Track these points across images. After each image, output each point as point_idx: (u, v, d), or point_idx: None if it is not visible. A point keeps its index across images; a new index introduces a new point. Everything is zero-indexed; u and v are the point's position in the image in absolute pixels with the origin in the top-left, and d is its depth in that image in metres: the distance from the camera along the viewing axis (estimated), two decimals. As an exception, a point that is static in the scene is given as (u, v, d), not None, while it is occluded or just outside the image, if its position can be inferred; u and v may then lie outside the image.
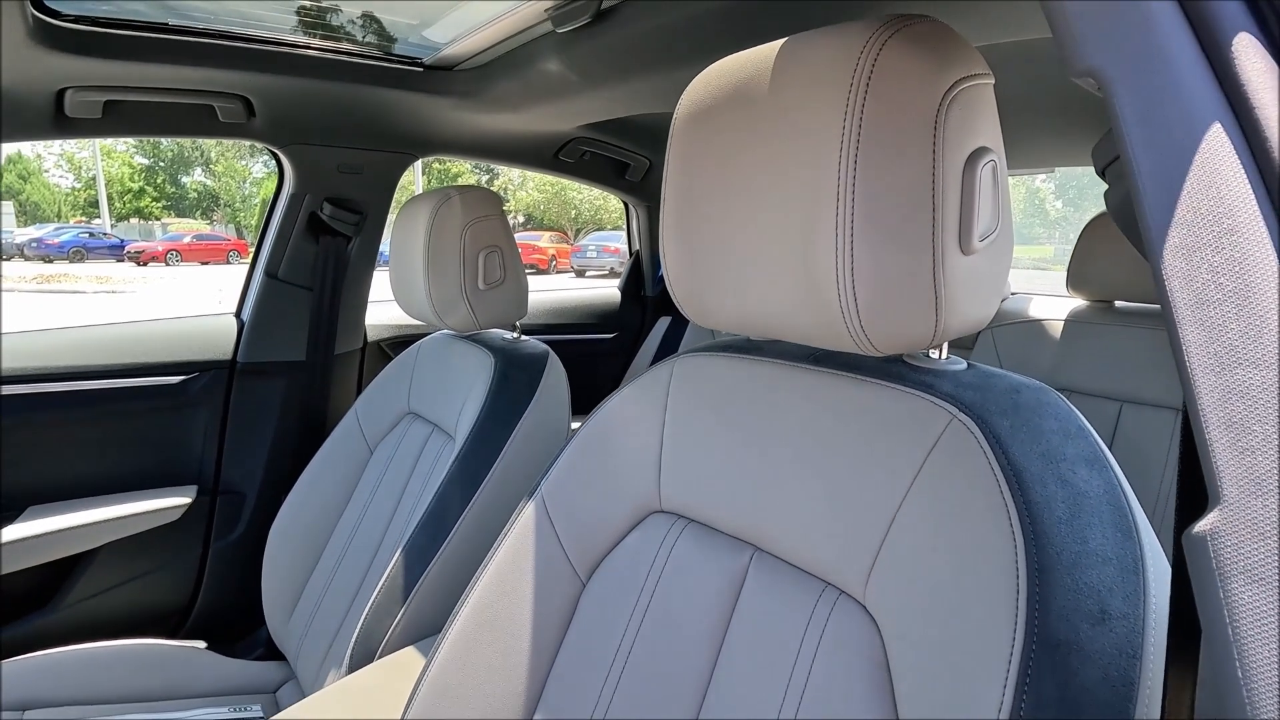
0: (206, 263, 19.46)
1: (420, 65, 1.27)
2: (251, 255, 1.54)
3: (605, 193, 1.98)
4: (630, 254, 2.15)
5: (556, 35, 1.01)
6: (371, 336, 1.68)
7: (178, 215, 28.04)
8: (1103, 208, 1.33)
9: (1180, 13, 0.29)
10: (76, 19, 0.99)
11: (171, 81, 1.14)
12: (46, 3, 0.94)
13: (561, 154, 1.69)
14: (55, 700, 1.08)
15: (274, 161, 1.45)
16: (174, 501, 1.40)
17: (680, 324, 2.07)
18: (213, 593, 1.47)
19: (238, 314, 1.53)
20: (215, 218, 28.43)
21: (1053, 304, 1.47)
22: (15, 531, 1.23)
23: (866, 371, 0.59)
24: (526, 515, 0.74)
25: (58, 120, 1.12)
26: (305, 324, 1.51)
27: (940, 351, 0.59)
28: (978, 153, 0.48)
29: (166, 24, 1.05)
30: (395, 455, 1.20)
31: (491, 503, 1.01)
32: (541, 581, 0.72)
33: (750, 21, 0.84)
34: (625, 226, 2.15)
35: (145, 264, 18.59)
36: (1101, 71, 0.29)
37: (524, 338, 1.20)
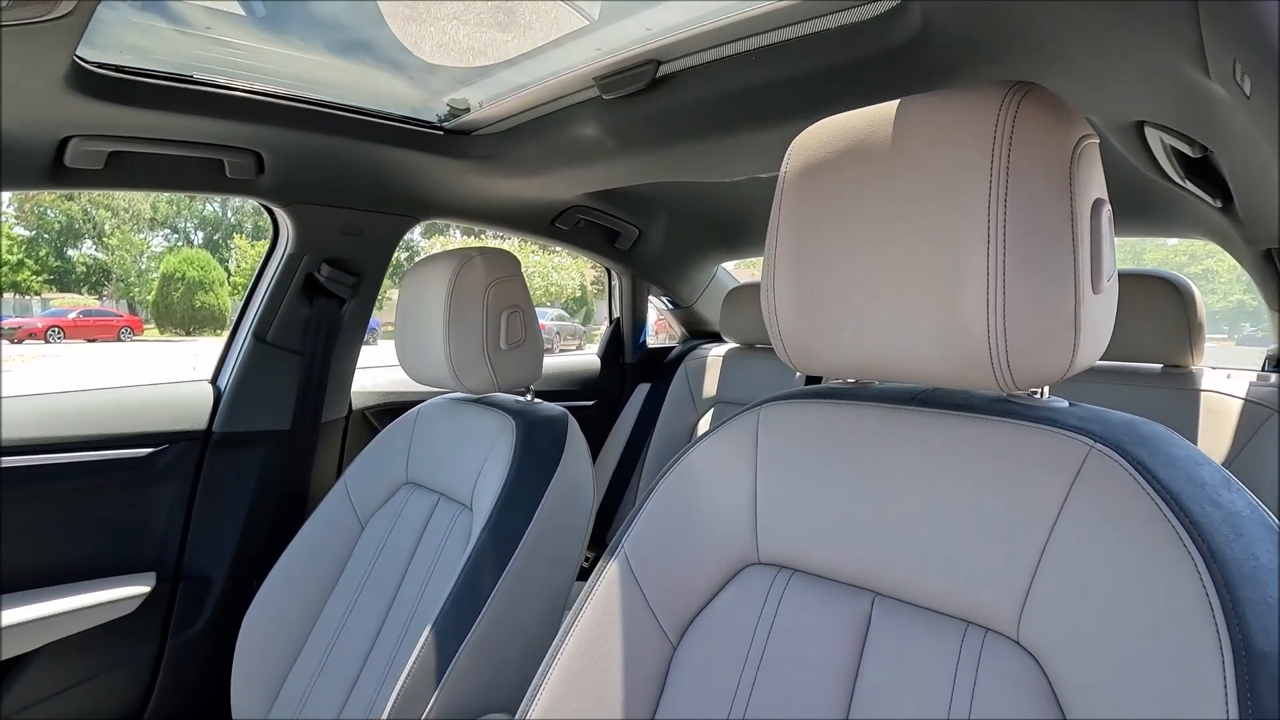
0: (94, 340, 18.02)
1: (439, 129, 1.28)
2: (235, 318, 1.45)
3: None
4: (610, 321, 2.17)
5: (600, 101, 1.05)
6: (356, 405, 1.60)
7: (61, 290, 26.02)
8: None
9: None
10: (103, 65, 0.94)
11: (184, 134, 1.09)
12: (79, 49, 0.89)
13: (558, 221, 1.71)
14: None
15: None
16: (129, 591, 1.25)
17: (660, 390, 2.08)
18: (170, 694, 1.29)
19: (213, 380, 1.42)
20: (105, 293, 26.55)
21: None
22: None
23: (979, 410, 0.61)
24: (610, 575, 0.71)
25: (55, 170, 1.05)
26: (291, 390, 1.42)
27: (1044, 393, 0.62)
28: (1098, 202, 0.53)
29: (190, 76, 1.02)
30: (394, 528, 1.12)
31: (524, 573, 0.96)
32: (630, 646, 0.68)
33: (807, 92, 0.90)
34: (607, 295, 2.17)
35: (20, 341, 16.99)
36: None
37: (537, 400, 1.17)
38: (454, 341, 1.07)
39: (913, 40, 0.76)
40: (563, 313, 17.40)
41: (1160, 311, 1.32)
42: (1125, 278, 1.37)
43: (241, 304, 1.44)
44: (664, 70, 0.95)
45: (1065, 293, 0.51)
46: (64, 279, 26.61)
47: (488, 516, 0.98)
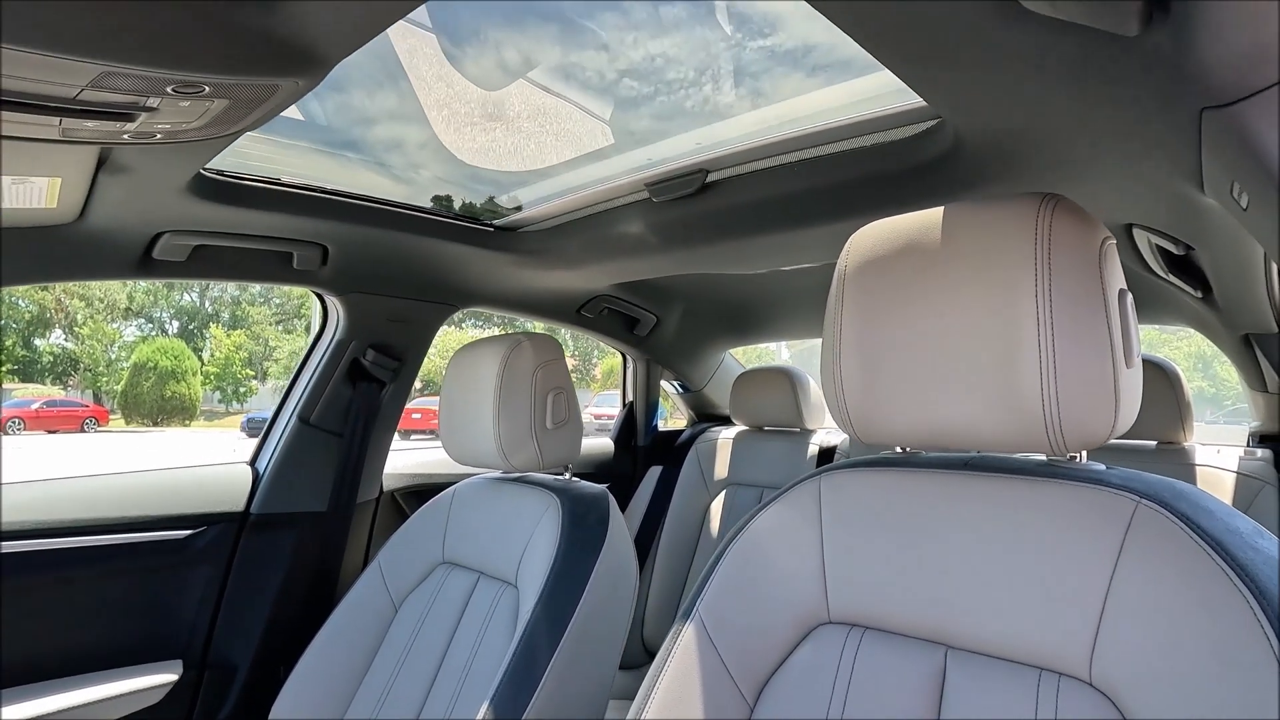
0: (55, 431, 17.44)
1: (491, 226, 1.38)
2: (279, 400, 1.49)
3: None
4: (624, 405, 2.23)
5: (650, 202, 1.16)
6: (386, 486, 1.62)
7: (24, 380, 25.34)
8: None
9: None
10: (221, 172, 1.03)
11: (264, 229, 1.17)
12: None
13: (584, 309, 1.81)
14: None
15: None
16: (155, 680, 1.22)
17: (671, 473, 2.12)
18: (193, 792, 1.24)
19: (252, 462, 1.45)
20: (71, 383, 25.91)
21: None
22: None
23: (1028, 473, 0.68)
24: (687, 638, 0.74)
25: (144, 261, 1.12)
26: (329, 471, 1.45)
27: (1081, 458, 0.70)
28: (1122, 292, 0.64)
29: (279, 178, 1.12)
30: (431, 609, 1.13)
31: (579, 646, 0.97)
32: (709, 708, 0.70)
33: (845, 199, 1.02)
34: (621, 379, 2.25)
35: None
36: None
37: (576, 479, 1.21)
38: (504, 421, 1.12)
39: (945, 155, 0.88)
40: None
41: (1150, 391, 1.43)
42: None
43: (285, 388, 1.48)
44: (712, 178, 1.07)
45: (1105, 366, 0.60)
46: (28, 369, 25.97)
47: (539, 593, 0.99)
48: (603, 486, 1.18)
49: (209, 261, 1.18)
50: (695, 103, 1.09)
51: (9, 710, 1.06)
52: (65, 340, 26.72)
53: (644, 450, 2.20)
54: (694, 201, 1.12)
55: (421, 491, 1.64)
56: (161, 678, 1.23)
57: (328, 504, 1.43)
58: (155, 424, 19.75)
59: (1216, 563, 0.54)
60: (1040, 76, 0.65)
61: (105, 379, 25.45)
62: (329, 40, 0.58)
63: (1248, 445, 1.49)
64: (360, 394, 1.47)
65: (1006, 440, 0.64)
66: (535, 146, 1.22)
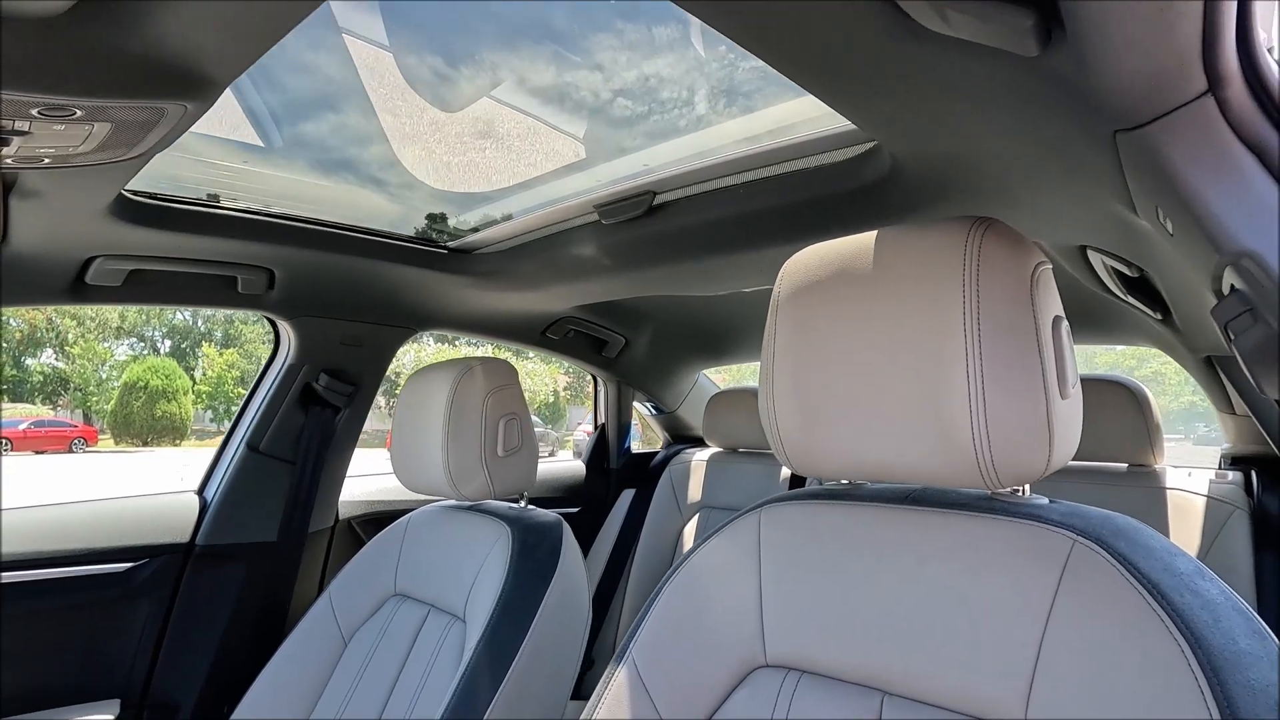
0: (42, 451, 17.29)
1: (445, 248, 1.36)
2: (229, 429, 1.45)
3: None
4: (595, 427, 2.20)
5: (600, 224, 1.14)
6: (342, 514, 1.57)
7: (13, 400, 25.17)
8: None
9: None
10: (152, 195, 1.00)
11: (203, 253, 1.15)
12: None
13: (549, 331, 1.78)
14: None
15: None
16: None
17: (645, 495, 2.09)
18: (126, 842, 1.18)
19: (199, 491, 1.40)
20: (61, 402, 25.74)
21: None
22: None
23: (968, 508, 0.65)
24: (618, 682, 0.71)
25: (75, 287, 1.09)
26: (279, 501, 1.40)
27: (1025, 491, 0.67)
28: (1057, 319, 0.61)
29: (217, 200, 1.09)
30: (380, 643, 1.09)
31: (523, 682, 0.94)
32: None
33: (795, 218, 1.00)
34: (593, 401, 2.22)
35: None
36: (1259, 255, 0.41)
37: (531, 507, 1.18)
38: (452, 448, 1.09)
39: (884, 179, 0.86)
40: (535, 419, 17.31)
41: (1119, 413, 1.40)
42: (1086, 382, 1.47)
43: (236, 415, 1.45)
44: (660, 199, 1.05)
45: (1037, 398, 0.57)
46: (18, 389, 25.81)
47: (484, 628, 0.96)
48: (556, 515, 1.14)
49: (147, 286, 1.15)
50: (648, 123, 1.07)
51: None
52: (56, 360, 26.60)
53: (617, 473, 2.16)
54: (643, 224, 1.10)
55: (379, 519, 1.60)
56: (96, 718, 1.18)
57: (277, 534, 1.39)
58: (145, 444, 19.59)
59: (1152, 607, 0.52)
60: (960, 100, 0.63)
61: (95, 399, 25.30)
62: (212, 61, 0.55)
63: (1219, 468, 1.46)
64: (313, 420, 1.43)
65: (940, 475, 0.61)
66: (485, 166, 1.20)
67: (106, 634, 1.24)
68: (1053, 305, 0.61)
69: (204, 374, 25.37)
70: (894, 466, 0.63)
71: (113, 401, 20.92)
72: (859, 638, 0.63)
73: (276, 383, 1.41)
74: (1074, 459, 1.48)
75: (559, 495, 2.05)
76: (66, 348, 25.80)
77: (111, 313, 26.21)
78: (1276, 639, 0.51)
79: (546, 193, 1.20)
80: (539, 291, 1.43)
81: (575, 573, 1.07)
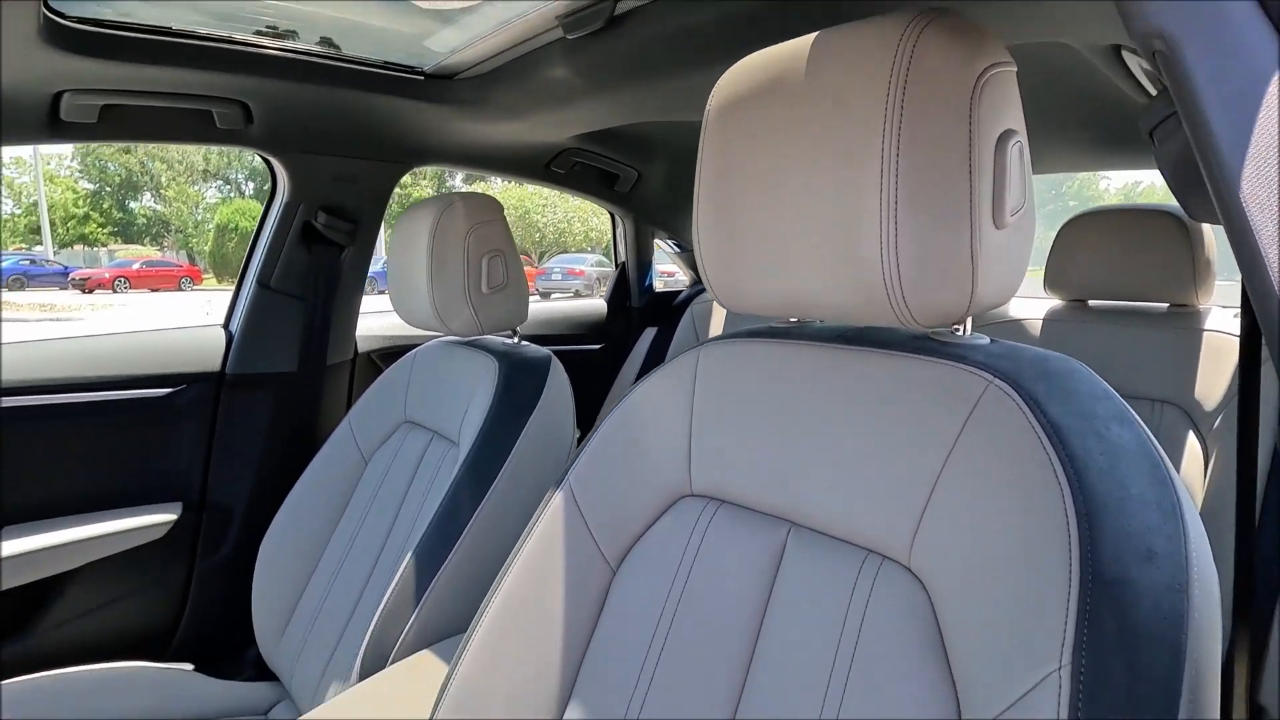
0: (157, 289, 18.87)
1: (421, 73, 1.28)
2: (242, 265, 1.51)
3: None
4: (616, 266, 2.17)
5: (566, 41, 1.04)
6: (362, 348, 1.66)
7: (125, 241, 27.16)
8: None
9: None
10: (81, 19, 0.98)
11: (171, 86, 1.13)
12: (52, 3, 0.93)
13: (553, 165, 1.71)
14: None
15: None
16: (158, 519, 1.36)
17: (666, 334, 2.10)
18: (199, 613, 1.42)
19: (226, 325, 1.50)
20: (166, 244, 27.62)
21: (1030, 305, 1.54)
22: None
23: (898, 348, 0.62)
24: (555, 505, 0.75)
25: (53, 124, 1.10)
26: (297, 334, 1.49)
27: (965, 330, 0.63)
28: (1006, 134, 0.52)
29: (169, 28, 1.05)
30: (393, 465, 1.19)
31: (500, 505, 1.01)
32: (572, 571, 0.72)
33: (766, 23, 0.87)
34: (611, 239, 2.17)
35: (91, 291, 17.92)
36: (1170, 34, 0.32)
37: (524, 343, 1.20)
38: (437, 285, 1.11)
39: None
40: (602, 258, 17.38)
41: (1165, 248, 1.26)
42: (1128, 213, 1.32)
43: (247, 253, 1.50)
44: (621, 8, 0.94)
45: (960, 231, 0.51)
46: (127, 230, 27.75)
47: (467, 452, 1.03)
48: (548, 351, 1.17)
49: (123, 122, 1.15)
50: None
51: (16, 544, 1.21)
52: (154, 203, 28.16)
53: (638, 312, 2.16)
54: (608, 39, 0.99)
55: (395, 353, 1.68)
56: (162, 517, 1.37)
57: (297, 365, 1.49)
58: (244, 282, 20.99)
59: (1046, 452, 0.49)
60: None
61: (195, 240, 26.97)
62: None
63: None
64: (318, 257, 1.47)
65: (861, 314, 0.57)
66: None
67: (160, 449, 1.40)
68: (1003, 117, 0.52)
69: (288, 215, 26.31)
70: (817, 304, 0.60)
71: (210, 242, 22.23)
72: (774, 472, 0.63)
73: (277, 221, 1.43)
74: (1108, 298, 1.39)
75: (580, 333, 2.09)
76: (161, 190, 27.16)
77: (196, 155, 27.07)
78: (1178, 489, 0.48)
79: (512, 8, 1.09)
80: (524, 121, 1.35)
81: (560, 406, 1.11)
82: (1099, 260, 1.35)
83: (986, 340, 0.62)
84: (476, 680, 0.70)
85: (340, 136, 1.38)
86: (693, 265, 2.30)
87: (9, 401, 1.24)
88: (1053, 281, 1.45)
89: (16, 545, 1.21)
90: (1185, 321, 1.27)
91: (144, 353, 1.39)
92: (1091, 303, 1.45)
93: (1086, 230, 1.37)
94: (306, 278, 1.48)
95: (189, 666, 1.23)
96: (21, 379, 1.26)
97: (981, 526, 0.50)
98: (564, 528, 0.73)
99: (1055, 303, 1.49)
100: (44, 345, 1.33)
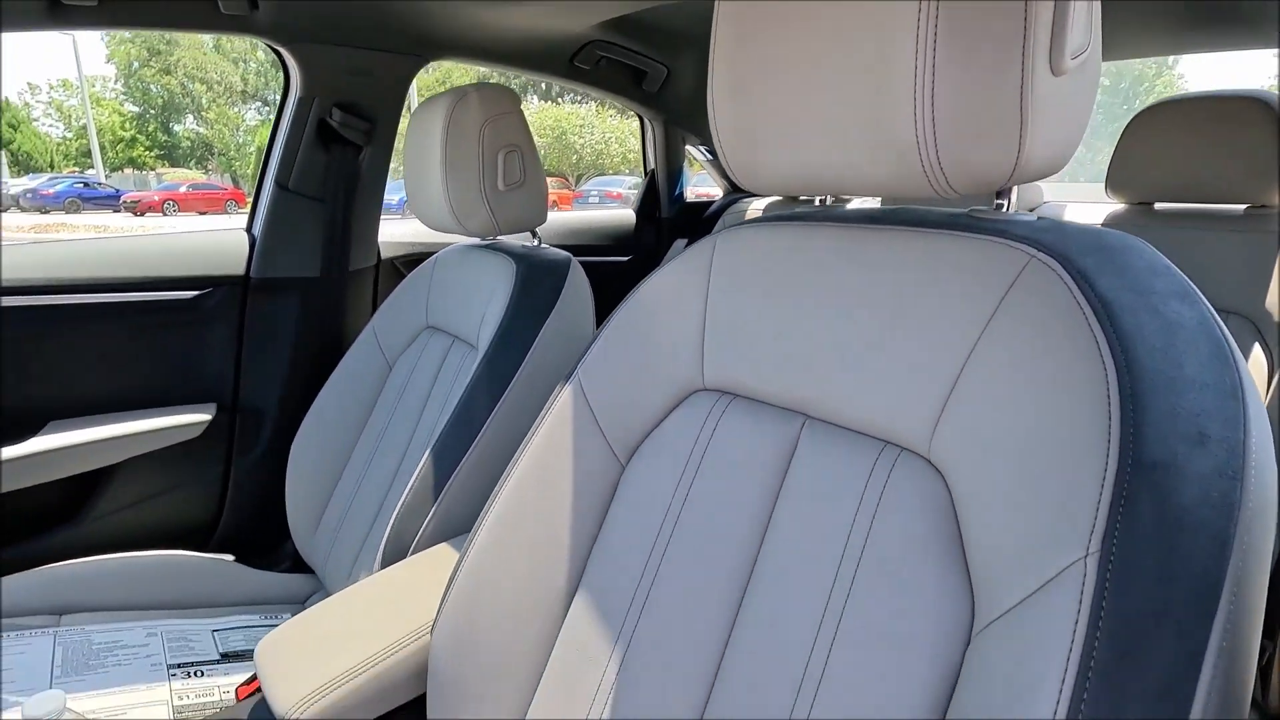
0: (204, 213, 19.22)
1: (428, -51, 1.20)
2: (260, 165, 1.48)
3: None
4: (645, 174, 2.09)
5: None
6: (385, 255, 1.65)
7: (171, 164, 27.58)
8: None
9: None
10: None
11: None
12: None
13: (577, 59, 1.62)
14: (91, 606, 1.09)
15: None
16: (194, 418, 1.39)
17: (696, 246, 2.03)
18: (238, 508, 1.47)
19: (248, 228, 1.49)
20: (210, 167, 27.96)
21: (1087, 210, 1.43)
22: (38, 444, 1.23)
23: (931, 225, 0.56)
24: (563, 399, 0.73)
25: (53, 8, 1.06)
26: (318, 239, 1.47)
27: (1009, 205, 0.57)
28: None
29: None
30: (415, 369, 1.18)
31: (517, 406, 1.00)
32: (580, 465, 0.70)
33: None
34: (641, 146, 2.08)
35: (143, 214, 18.36)
36: None
37: (544, 245, 1.17)
38: (452, 182, 1.08)
39: None
40: (641, 180, 16.97)
41: (1250, 140, 1.13)
42: (1209, 101, 1.18)
43: (264, 153, 1.47)
44: None
45: (1008, 75, 0.44)
46: (173, 154, 28.14)
47: (484, 353, 1.02)
48: (567, 254, 1.14)
49: (124, 5, 1.11)
50: None
51: (62, 437, 1.26)
52: (197, 125, 28.36)
53: (668, 223, 2.09)
54: None
55: (419, 259, 1.66)
56: (198, 417, 1.40)
57: (320, 269, 1.48)
58: (286, 205, 21.22)
59: (1092, 329, 0.44)
60: None
61: (238, 163, 27.21)
62: None
63: None
64: (335, 158, 1.43)
65: (889, 183, 0.52)
66: None
67: (192, 351, 1.42)
68: None
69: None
70: (841, 178, 0.54)
71: (252, 165, 22.40)
72: (790, 362, 0.60)
73: (292, 118, 1.39)
74: (1178, 199, 1.27)
75: (607, 244, 2.03)
76: (202, 112, 27.27)
77: (234, 75, 26.96)
78: (1240, 371, 0.42)
79: None
80: (534, 4, 1.26)
81: (579, 309, 1.09)
82: (1172, 156, 1.22)
83: (1033, 217, 0.55)
84: (485, 568, 0.70)
85: (352, 25, 1.31)
86: (726, 173, 2.20)
87: (47, 299, 1.27)
88: (1116, 182, 1.33)
89: (62, 439, 1.26)
90: (1263, 225, 1.16)
91: (171, 256, 1.40)
92: (1158, 206, 1.33)
93: (1160, 122, 1.24)
94: (325, 179, 1.45)
95: (230, 558, 1.28)
96: (54, 278, 1.28)
97: (1011, 411, 0.46)
98: (573, 422, 0.71)
99: (1116, 207, 1.37)
100: (73, 246, 1.34)
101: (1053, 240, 0.50)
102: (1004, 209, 0.56)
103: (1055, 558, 0.39)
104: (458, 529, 0.99)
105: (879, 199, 1.57)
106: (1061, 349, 0.44)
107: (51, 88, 28.14)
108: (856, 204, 1.52)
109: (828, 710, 0.49)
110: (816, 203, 0.72)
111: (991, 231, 0.53)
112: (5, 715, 0.84)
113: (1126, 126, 1.30)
